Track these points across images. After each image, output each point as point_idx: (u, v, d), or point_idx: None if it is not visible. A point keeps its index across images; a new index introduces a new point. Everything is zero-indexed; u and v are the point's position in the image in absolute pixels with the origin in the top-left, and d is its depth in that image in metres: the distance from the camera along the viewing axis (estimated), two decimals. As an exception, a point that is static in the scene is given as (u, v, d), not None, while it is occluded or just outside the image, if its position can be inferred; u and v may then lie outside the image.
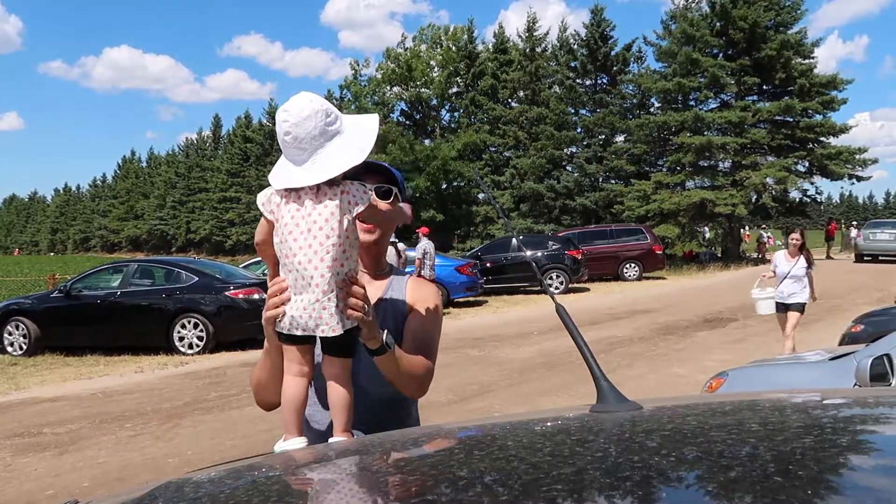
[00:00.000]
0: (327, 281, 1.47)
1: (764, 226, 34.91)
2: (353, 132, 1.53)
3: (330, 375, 1.57)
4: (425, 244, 14.15)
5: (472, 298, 17.06)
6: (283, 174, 1.52)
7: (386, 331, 1.59)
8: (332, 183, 1.50)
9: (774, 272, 8.34)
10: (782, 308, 8.25)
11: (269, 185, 1.56)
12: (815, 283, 8.42)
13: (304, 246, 1.48)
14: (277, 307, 1.51)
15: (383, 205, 1.76)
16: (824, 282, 19.25)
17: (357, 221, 1.54)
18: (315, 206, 1.49)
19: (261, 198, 1.56)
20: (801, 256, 8.13)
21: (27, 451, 6.02)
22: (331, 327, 1.48)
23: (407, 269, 14.53)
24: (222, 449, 5.79)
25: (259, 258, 1.58)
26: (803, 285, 8.16)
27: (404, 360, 1.62)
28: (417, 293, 1.80)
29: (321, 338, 1.52)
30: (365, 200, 1.52)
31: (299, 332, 1.51)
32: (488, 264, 18.32)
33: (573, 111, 34.15)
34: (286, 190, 1.51)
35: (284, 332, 1.53)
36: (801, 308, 8.15)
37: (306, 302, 1.48)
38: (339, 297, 1.48)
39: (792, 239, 8.33)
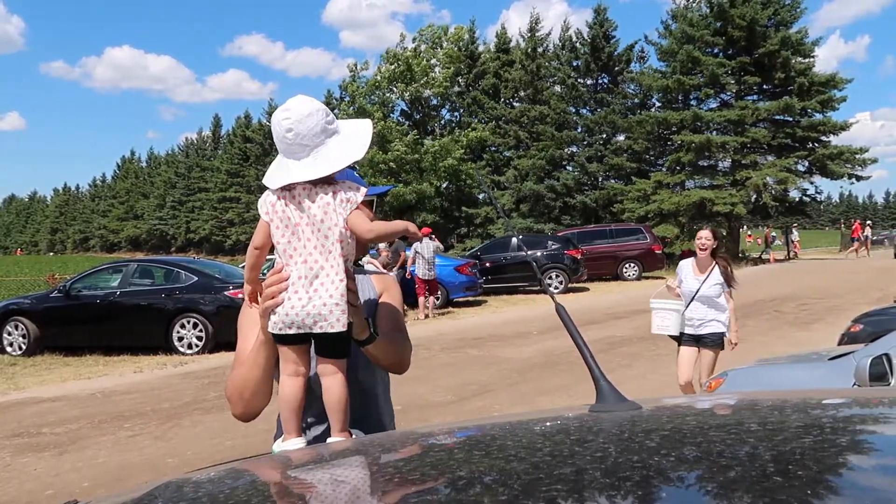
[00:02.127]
0: (331, 278, 1.50)
1: (796, 224, 35.15)
2: (349, 133, 1.59)
3: (326, 377, 1.57)
4: (417, 244, 14.33)
5: (471, 298, 17.06)
6: (281, 172, 1.55)
7: (370, 320, 1.64)
8: (326, 182, 1.54)
9: (680, 288, 5.98)
10: (690, 340, 5.86)
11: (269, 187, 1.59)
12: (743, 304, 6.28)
13: (310, 243, 1.51)
14: (275, 297, 1.52)
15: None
16: (825, 281, 19.35)
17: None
18: (313, 205, 1.52)
19: (260, 200, 1.59)
20: (716, 267, 5.77)
21: (27, 451, 6.02)
22: (330, 323, 1.50)
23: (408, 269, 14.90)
24: (222, 449, 5.79)
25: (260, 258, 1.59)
26: (721, 310, 5.80)
27: (391, 344, 1.71)
28: (382, 284, 1.90)
29: (317, 338, 1.53)
30: (358, 198, 1.55)
31: (293, 331, 1.51)
32: (488, 264, 18.32)
33: (574, 110, 34.18)
34: (281, 190, 1.54)
35: (277, 332, 1.53)
36: (718, 343, 5.80)
37: (305, 300, 1.49)
38: (341, 295, 1.50)
39: (699, 240, 5.83)
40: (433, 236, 15.25)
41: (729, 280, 5.78)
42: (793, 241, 32.95)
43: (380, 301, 1.85)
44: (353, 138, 1.58)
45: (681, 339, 5.93)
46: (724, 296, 5.81)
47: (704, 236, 5.83)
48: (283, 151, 1.56)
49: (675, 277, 6.17)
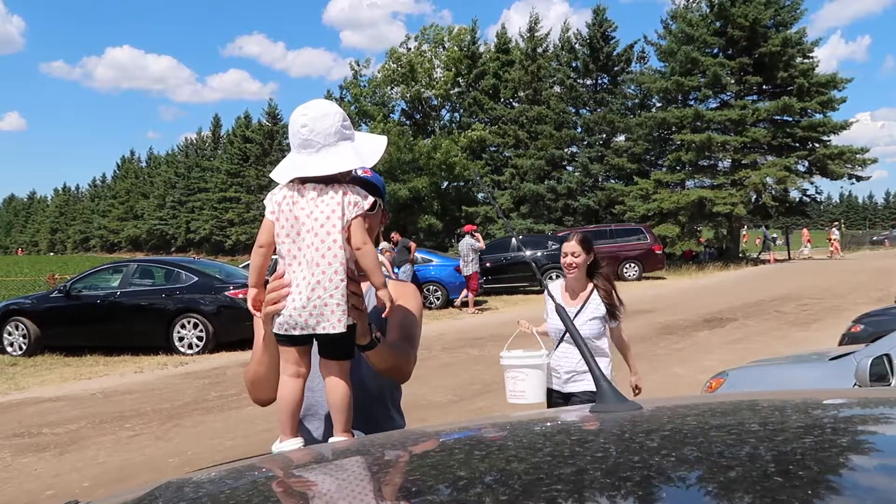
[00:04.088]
0: (329, 277, 1.49)
1: (836, 223, 34.99)
2: (363, 142, 1.62)
3: (329, 377, 1.58)
4: (463, 241, 15.28)
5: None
6: (288, 167, 1.57)
7: (373, 325, 1.63)
8: (335, 184, 1.55)
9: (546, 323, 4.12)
10: (560, 402, 3.89)
11: (270, 187, 1.59)
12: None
13: (311, 243, 1.51)
14: (277, 303, 1.53)
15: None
16: (825, 282, 19.36)
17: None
18: (322, 205, 1.52)
19: (267, 198, 1.60)
20: (594, 294, 3.95)
21: (27, 451, 6.02)
22: (332, 324, 1.50)
23: (415, 268, 15.37)
24: (222, 449, 5.79)
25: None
26: (602, 356, 3.88)
27: (392, 351, 1.70)
28: (396, 291, 1.86)
29: (319, 338, 1.53)
30: (365, 204, 1.56)
31: (297, 332, 1.52)
32: (488, 264, 18.34)
33: (574, 110, 34.18)
34: (289, 191, 1.55)
35: (281, 332, 1.53)
36: None
37: (305, 300, 1.49)
38: (341, 295, 1.50)
39: (564, 257, 4.04)
40: (474, 234, 15.65)
41: (613, 310, 3.92)
42: (832, 241, 32.69)
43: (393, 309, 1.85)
44: (366, 147, 1.61)
45: (550, 399, 3.91)
46: (609, 333, 3.97)
47: (570, 251, 4.00)
48: (296, 146, 1.57)
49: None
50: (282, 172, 1.58)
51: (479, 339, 11.41)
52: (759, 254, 30.74)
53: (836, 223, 34.92)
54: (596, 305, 3.92)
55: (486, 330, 12.52)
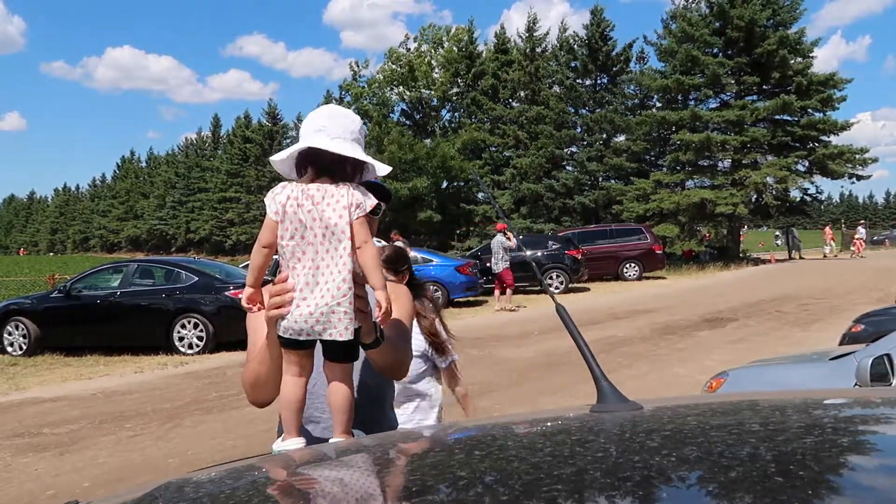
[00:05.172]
0: (338, 284, 1.48)
1: (863, 221, 34.69)
2: (372, 158, 1.62)
3: (332, 379, 1.57)
4: (494, 239, 15.85)
5: (471, 298, 17.09)
6: (293, 147, 1.56)
7: (377, 324, 1.61)
8: (340, 184, 1.52)
9: None
10: None
11: (269, 186, 1.58)
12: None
13: (317, 249, 1.49)
14: (280, 307, 1.50)
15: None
16: (826, 282, 19.35)
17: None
18: (327, 207, 1.49)
19: (268, 196, 1.56)
20: (435, 321, 3.08)
21: (27, 452, 6.02)
22: (339, 331, 1.48)
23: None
24: (222, 449, 5.79)
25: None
26: (432, 405, 3.19)
27: (393, 348, 1.71)
28: (391, 293, 1.83)
29: (326, 343, 1.52)
30: (367, 205, 1.53)
31: (303, 338, 1.50)
32: (488, 264, 18.33)
33: (573, 110, 34.19)
34: (293, 191, 1.51)
35: (286, 336, 1.52)
36: None
37: (313, 306, 1.47)
38: (349, 303, 1.48)
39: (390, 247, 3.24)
40: (506, 232, 15.85)
41: (439, 345, 3.07)
42: (857, 241, 32.40)
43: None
44: (369, 163, 1.60)
45: None
46: (441, 375, 3.18)
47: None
48: (309, 133, 1.55)
49: None
50: (283, 152, 1.56)
51: (479, 340, 11.41)
52: (792, 253, 30.77)
53: (863, 221, 34.55)
54: (414, 341, 2.97)
55: (486, 330, 12.52)
